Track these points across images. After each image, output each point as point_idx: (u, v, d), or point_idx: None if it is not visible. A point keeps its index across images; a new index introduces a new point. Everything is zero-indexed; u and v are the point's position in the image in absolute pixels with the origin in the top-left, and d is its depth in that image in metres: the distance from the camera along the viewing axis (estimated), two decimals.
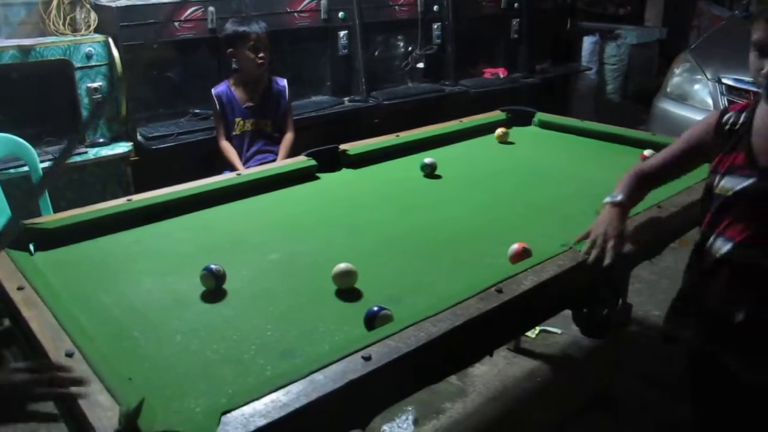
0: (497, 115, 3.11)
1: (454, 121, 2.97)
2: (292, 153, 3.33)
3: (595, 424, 2.71)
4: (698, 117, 4.20)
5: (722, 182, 1.54)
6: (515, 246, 1.71)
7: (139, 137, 3.75)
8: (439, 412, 2.78)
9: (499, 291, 1.46)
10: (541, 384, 2.97)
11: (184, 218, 2.13)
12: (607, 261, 1.62)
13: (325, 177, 2.47)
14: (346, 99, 4.59)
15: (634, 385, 2.90)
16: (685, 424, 2.67)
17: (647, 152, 2.55)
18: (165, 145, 3.70)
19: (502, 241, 1.84)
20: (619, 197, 1.75)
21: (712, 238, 1.57)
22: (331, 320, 1.52)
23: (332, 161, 2.52)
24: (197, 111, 3.98)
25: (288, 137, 3.56)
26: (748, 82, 4.07)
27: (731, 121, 1.59)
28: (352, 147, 2.60)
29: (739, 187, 1.49)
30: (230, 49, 3.46)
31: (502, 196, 2.31)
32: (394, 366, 1.24)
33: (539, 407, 2.86)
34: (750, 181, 1.47)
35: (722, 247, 1.53)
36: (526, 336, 3.13)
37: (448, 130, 2.88)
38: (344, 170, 2.53)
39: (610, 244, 1.66)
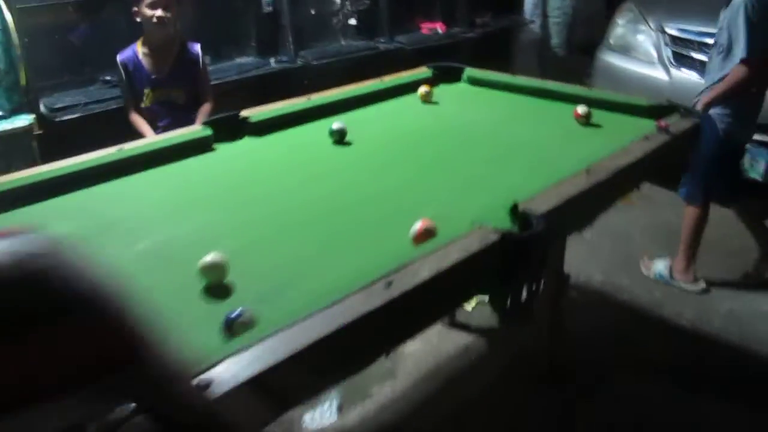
0: (422, 72, 2.85)
1: (374, 80, 2.70)
2: None
3: (536, 400, 2.52)
4: (643, 70, 4.03)
5: None
6: (417, 224, 1.46)
7: (42, 108, 3.42)
8: (365, 396, 2.58)
9: (389, 284, 1.22)
10: (477, 361, 2.78)
11: (57, 201, 1.84)
12: None
13: (223, 147, 2.18)
14: (272, 60, 4.28)
15: (575, 357, 2.73)
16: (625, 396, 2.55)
17: (580, 109, 2.33)
18: (72, 116, 3.40)
19: (411, 216, 1.60)
20: None
21: None
22: (187, 323, 1.25)
23: (232, 129, 2.24)
24: (107, 78, 3.65)
25: (205, 108, 3.24)
26: (693, 32, 3.86)
27: None
28: (256, 113, 2.32)
29: None
30: (134, 8, 3.12)
31: (418, 163, 2.05)
32: (243, 389, 1.00)
33: (474, 386, 2.66)
34: None
35: None
36: (462, 308, 2.93)
37: (366, 91, 2.60)
38: (246, 139, 2.25)
39: None
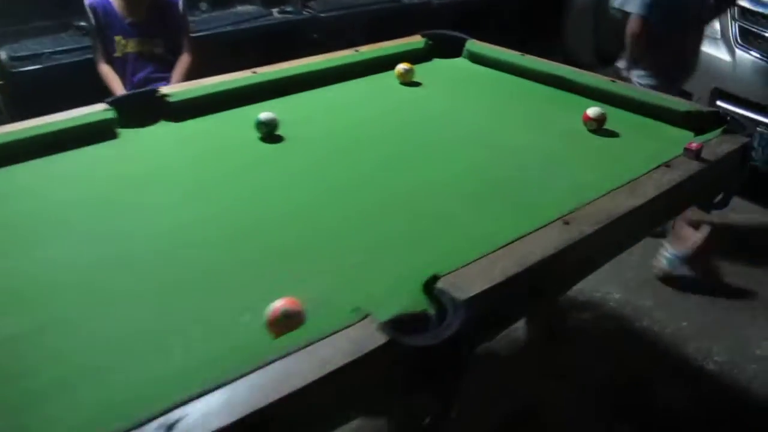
0: (413, 42, 2.33)
1: (346, 51, 2.19)
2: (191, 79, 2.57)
3: None
4: (702, 48, 3.37)
5: None
6: (275, 305, 1.00)
7: (3, 56, 3.04)
8: None
9: (170, 427, 0.77)
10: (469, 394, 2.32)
11: None
12: None
13: (128, 135, 1.73)
14: (275, 10, 3.79)
15: (569, 396, 2.25)
16: None
17: (591, 111, 1.79)
18: (33, 67, 3.02)
19: (301, 273, 1.15)
20: None
21: None
22: None
23: (145, 110, 1.79)
24: (82, 24, 3.22)
25: (183, 60, 2.85)
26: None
27: None
28: (179, 90, 1.86)
29: None
30: None
31: (344, 191, 1.50)
32: None
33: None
34: None
35: None
36: None
37: (332, 65, 2.10)
38: (161, 124, 1.79)
39: None
